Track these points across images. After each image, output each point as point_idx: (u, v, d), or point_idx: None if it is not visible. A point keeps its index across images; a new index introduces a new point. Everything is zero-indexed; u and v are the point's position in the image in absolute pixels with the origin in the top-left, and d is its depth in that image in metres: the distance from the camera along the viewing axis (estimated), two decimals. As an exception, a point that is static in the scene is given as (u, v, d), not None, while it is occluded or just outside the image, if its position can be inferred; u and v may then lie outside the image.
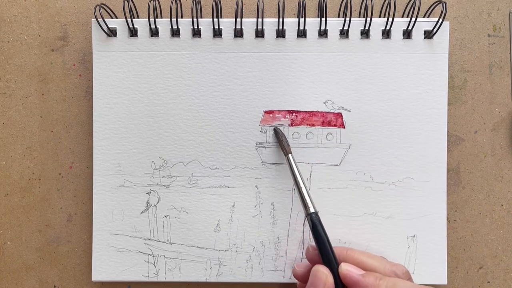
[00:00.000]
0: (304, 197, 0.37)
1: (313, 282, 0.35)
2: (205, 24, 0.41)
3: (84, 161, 0.43)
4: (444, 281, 0.41)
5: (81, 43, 0.43)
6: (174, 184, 0.41)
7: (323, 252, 0.36)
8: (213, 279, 0.41)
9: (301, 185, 0.37)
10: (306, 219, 0.37)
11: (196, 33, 0.41)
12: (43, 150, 0.43)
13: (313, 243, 0.38)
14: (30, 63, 0.43)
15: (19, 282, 0.43)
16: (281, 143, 0.40)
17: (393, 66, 0.41)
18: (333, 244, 0.36)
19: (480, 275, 0.43)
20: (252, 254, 0.41)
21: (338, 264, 0.36)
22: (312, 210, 0.37)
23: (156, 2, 0.41)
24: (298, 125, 0.41)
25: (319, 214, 0.41)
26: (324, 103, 0.41)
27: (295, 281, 0.41)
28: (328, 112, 0.41)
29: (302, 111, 0.41)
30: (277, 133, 0.41)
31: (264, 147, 0.41)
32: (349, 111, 0.41)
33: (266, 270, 0.41)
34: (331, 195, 0.41)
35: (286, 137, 0.41)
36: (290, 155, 0.39)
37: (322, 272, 0.35)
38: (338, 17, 0.43)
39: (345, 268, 0.35)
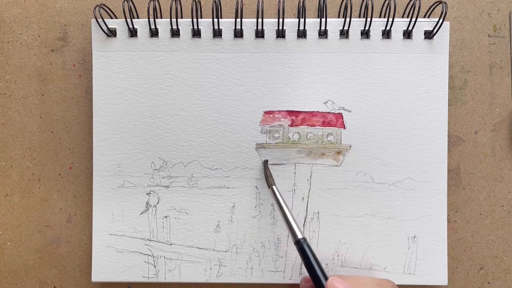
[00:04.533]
0: (291, 224, 0.37)
1: None
2: (205, 24, 0.41)
3: (84, 162, 0.43)
4: (444, 281, 0.41)
5: (81, 44, 0.43)
6: (174, 185, 0.41)
7: (313, 276, 0.35)
8: (213, 280, 0.41)
9: (288, 213, 0.37)
10: (295, 246, 0.36)
11: (196, 33, 0.41)
12: (43, 150, 0.43)
13: (307, 274, 0.37)
14: (30, 63, 0.43)
15: (19, 282, 0.43)
16: (265, 175, 0.40)
17: (393, 66, 0.41)
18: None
19: (480, 276, 0.43)
20: (252, 254, 0.41)
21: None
22: (300, 236, 0.36)
23: (156, 3, 0.41)
24: (299, 125, 0.41)
25: (320, 215, 0.41)
26: (325, 103, 0.41)
27: (295, 281, 0.41)
28: (328, 112, 0.41)
29: (302, 112, 0.41)
30: (264, 165, 0.41)
31: (264, 147, 0.41)
32: (350, 112, 0.41)
33: (266, 270, 0.41)
34: (331, 196, 0.41)
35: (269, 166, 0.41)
36: (273, 187, 0.39)
37: None
38: (338, 17, 0.43)
39: (332, 284, 0.34)
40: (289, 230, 0.37)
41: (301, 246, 0.36)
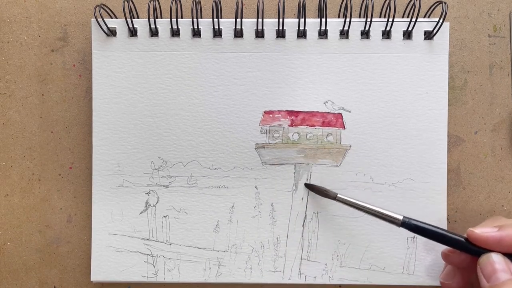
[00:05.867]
0: (385, 213, 0.37)
1: (490, 271, 0.33)
2: (205, 24, 0.41)
3: (84, 162, 0.43)
4: (444, 282, 0.41)
5: (81, 44, 0.43)
6: (174, 185, 0.41)
7: (448, 240, 0.35)
8: (212, 279, 0.41)
9: (374, 208, 0.37)
10: (403, 229, 0.36)
11: (196, 33, 0.41)
12: (43, 150, 0.43)
13: (443, 248, 0.37)
14: (30, 63, 0.43)
15: (19, 282, 0.43)
16: (322, 193, 0.40)
17: (393, 66, 0.41)
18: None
19: (480, 277, 0.43)
20: (251, 254, 0.41)
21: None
22: (400, 217, 0.36)
23: (156, 3, 0.41)
24: (298, 125, 0.41)
25: (320, 215, 0.41)
26: (324, 103, 0.41)
27: (294, 282, 0.41)
28: (328, 112, 0.41)
29: (302, 112, 0.41)
30: (311, 188, 0.41)
31: (264, 147, 0.41)
32: (349, 112, 0.41)
33: (265, 270, 0.41)
34: (331, 196, 0.41)
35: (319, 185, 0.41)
36: (338, 194, 0.39)
37: (491, 256, 0.33)
38: (338, 17, 0.43)
39: (480, 231, 0.33)
40: (386, 221, 0.37)
41: (411, 224, 0.36)
